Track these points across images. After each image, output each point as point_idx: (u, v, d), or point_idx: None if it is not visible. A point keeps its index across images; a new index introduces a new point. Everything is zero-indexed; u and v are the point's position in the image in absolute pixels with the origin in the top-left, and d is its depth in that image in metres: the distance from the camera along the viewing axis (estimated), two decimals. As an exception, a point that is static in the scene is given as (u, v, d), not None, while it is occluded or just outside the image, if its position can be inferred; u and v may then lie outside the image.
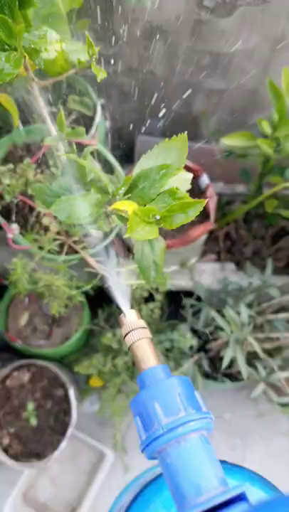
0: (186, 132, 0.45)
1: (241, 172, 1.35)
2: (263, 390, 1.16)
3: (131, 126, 1.39)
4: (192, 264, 1.36)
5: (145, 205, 0.42)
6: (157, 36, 1.12)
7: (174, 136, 0.46)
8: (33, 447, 1.28)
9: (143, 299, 1.24)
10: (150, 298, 1.24)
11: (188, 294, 1.32)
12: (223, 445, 1.42)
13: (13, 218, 0.94)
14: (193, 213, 0.41)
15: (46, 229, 0.92)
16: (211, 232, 1.42)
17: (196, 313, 1.30)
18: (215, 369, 1.29)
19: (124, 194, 0.43)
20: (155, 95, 1.31)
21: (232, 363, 1.17)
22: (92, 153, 0.89)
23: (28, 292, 0.97)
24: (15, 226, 0.92)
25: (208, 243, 1.43)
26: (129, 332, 0.44)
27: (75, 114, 1.08)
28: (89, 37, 0.44)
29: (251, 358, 1.17)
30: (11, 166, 0.87)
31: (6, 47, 0.38)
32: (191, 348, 1.26)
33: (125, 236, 0.41)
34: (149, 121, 1.38)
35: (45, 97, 0.56)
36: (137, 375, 0.44)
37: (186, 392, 0.40)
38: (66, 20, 0.47)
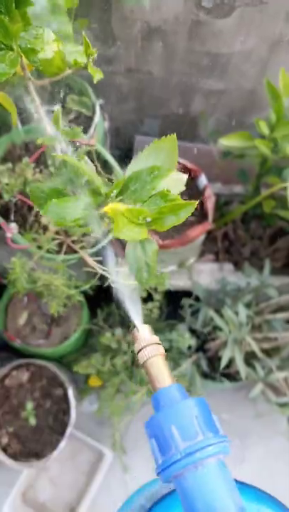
0: (175, 133, 0.45)
1: (239, 172, 1.36)
2: (261, 390, 1.16)
3: (129, 126, 1.39)
4: (190, 265, 1.36)
5: (131, 208, 0.42)
6: (155, 37, 1.13)
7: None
8: (32, 447, 1.28)
9: (141, 299, 1.25)
10: (149, 298, 1.24)
11: (187, 294, 1.32)
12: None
13: (12, 217, 0.95)
14: (184, 215, 0.41)
15: (45, 228, 0.92)
16: (209, 233, 1.42)
17: (195, 313, 1.30)
18: (213, 369, 1.29)
19: (116, 196, 0.44)
20: (153, 96, 1.32)
21: (230, 362, 1.17)
22: (90, 154, 0.89)
23: (27, 291, 0.97)
24: (14, 225, 0.92)
25: (207, 243, 1.44)
26: (142, 348, 0.43)
27: (74, 113, 1.09)
28: (86, 37, 0.44)
29: (249, 358, 1.18)
30: (9, 165, 0.88)
31: (2, 46, 0.39)
32: (189, 348, 1.27)
33: (113, 235, 0.41)
34: (147, 122, 1.38)
35: (42, 97, 0.57)
36: (152, 394, 0.43)
37: (203, 414, 0.39)
38: (66, 14, 0.47)
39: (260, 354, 1.12)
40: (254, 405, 1.43)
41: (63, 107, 1.04)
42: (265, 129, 1.11)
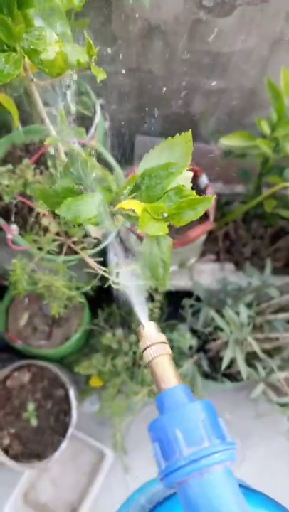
0: (190, 130, 0.45)
1: (240, 172, 1.35)
2: (262, 390, 1.16)
3: (130, 126, 1.39)
4: (191, 265, 1.36)
5: (152, 204, 0.42)
6: (156, 36, 1.12)
7: (176, 135, 0.45)
8: (34, 448, 1.28)
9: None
10: (150, 298, 1.24)
11: (188, 294, 1.32)
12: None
13: (13, 219, 0.94)
14: (202, 209, 0.41)
15: (45, 229, 0.92)
16: (210, 233, 1.42)
17: (196, 313, 1.30)
18: (214, 369, 1.29)
19: (129, 193, 0.43)
20: (154, 95, 1.31)
21: (231, 363, 1.17)
22: (91, 154, 0.89)
23: (27, 293, 0.97)
24: (14, 227, 0.92)
25: (208, 243, 1.43)
26: (148, 347, 0.42)
27: (74, 114, 1.08)
28: (88, 38, 0.44)
29: (251, 358, 1.18)
30: (10, 166, 0.88)
31: (6, 48, 0.38)
32: (190, 348, 1.26)
33: (138, 231, 0.41)
34: (148, 122, 1.38)
35: (44, 98, 0.56)
36: (156, 395, 0.41)
37: (210, 418, 0.37)
38: (65, 17, 0.47)
39: (261, 354, 1.11)
40: (255, 405, 1.43)
41: (64, 107, 1.03)
42: (266, 129, 1.11)
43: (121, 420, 1.33)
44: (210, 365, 1.29)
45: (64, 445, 1.26)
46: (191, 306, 1.30)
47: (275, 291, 1.19)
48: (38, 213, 0.93)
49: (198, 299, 1.30)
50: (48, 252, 0.89)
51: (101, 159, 0.99)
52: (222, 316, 1.17)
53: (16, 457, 1.26)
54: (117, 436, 1.35)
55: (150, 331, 0.43)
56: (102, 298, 1.28)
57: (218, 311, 1.21)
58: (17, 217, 0.95)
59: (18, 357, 1.34)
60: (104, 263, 0.82)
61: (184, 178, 0.45)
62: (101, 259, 0.85)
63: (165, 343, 0.43)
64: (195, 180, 1.23)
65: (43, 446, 1.28)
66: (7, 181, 0.84)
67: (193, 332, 1.26)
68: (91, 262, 0.80)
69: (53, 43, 0.41)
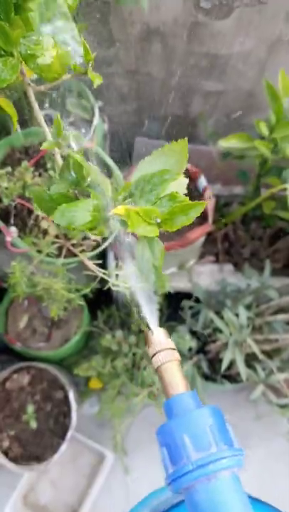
0: (186, 138, 0.45)
1: (239, 173, 1.35)
2: (262, 391, 1.16)
3: (129, 128, 1.39)
4: (190, 266, 1.36)
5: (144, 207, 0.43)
6: (154, 38, 1.12)
7: (173, 139, 0.46)
8: (33, 450, 1.28)
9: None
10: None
11: (187, 295, 1.32)
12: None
13: (12, 221, 0.94)
14: (194, 214, 0.42)
15: (45, 232, 0.92)
16: (209, 234, 1.42)
17: (195, 315, 1.30)
18: (214, 370, 1.29)
19: (124, 199, 0.44)
20: (153, 97, 1.32)
21: (231, 364, 1.17)
22: (89, 157, 0.89)
23: (27, 295, 0.97)
24: (13, 229, 0.92)
25: (207, 245, 1.43)
26: (157, 352, 0.42)
27: (73, 116, 1.08)
28: (86, 43, 0.44)
29: (250, 360, 1.18)
30: (9, 169, 0.88)
31: (3, 53, 0.38)
32: (190, 349, 1.26)
33: (128, 231, 0.41)
34: (146, 123, 1.38)
35: (42, 101, 0.56)
36: (164, 400, 0.42)
37: (218, 424, 0.38)
38: (71, 18, 0.47)
39: (260, 356, 1.12)
40: (255, 407, 1.43)
41: (63, 109, 1.04)
42: (264, 130, 1.11)
43: (121, 422, 1.33)
44: (209, 366, 1.29)
45: (64, 447, 1.26)
46: (191, 307, 1.30)
47: (274, 293, 1.19)
48: (38, 216, 0.93)
49: (197, 301, 1.30)
50: (48, 255, 0.89)
51: (100, 161, 0.99)
52: (221, 317, 1.17)
53: (15, 459, 1.26)
54: (117, 437, 1.35)
55: (159, 337, 0.44)
56: (102, 299, 1.28)
57: (218, 313, 1.21)
58: (16, 219, 0.95)
59: (17, 359, 1.34)
60: (103, 265, 0.82)
61: (179, 184, 0.45)
62: (100, 261, 0.85)
63: (174, 349, 0.43)
64: (194, 181, 1.24)
65: (42, 449, 1.28)
66: (6, 184, 0.84)
67: (193, 333, 1.27)
68: (90, 264, 0.80)
69: (50, 48, 0.41)
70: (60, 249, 0.91)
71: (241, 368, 1.11)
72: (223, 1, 1.02)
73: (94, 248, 0.94)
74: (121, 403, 1.30)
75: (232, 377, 1.28)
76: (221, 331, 1.16)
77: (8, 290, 1.21)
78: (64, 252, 0.90)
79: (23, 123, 0.92)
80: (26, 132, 0.98)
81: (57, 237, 0.90)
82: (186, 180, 0.47)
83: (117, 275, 0.80)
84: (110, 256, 1.18)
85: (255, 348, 1.11)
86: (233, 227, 1.46)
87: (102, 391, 1.38)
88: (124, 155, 1.43)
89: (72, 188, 0.46)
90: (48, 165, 0.91)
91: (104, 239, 0.93)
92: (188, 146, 0.46)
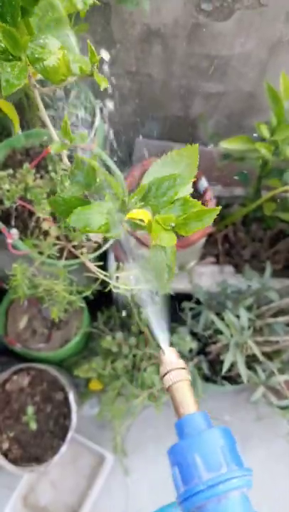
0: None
1: (240, 175, 1.35)
2: (262, 393, 1.16)
3: (130, 129, 1.39)
4: (191, 267, 1.36)
5: (157, 213, 0.43)
6: (155, 39, 1.12)
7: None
8: (33, 451, 1.27)
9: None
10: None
11: (188, 297, 1.32)
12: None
13: (13, 223, 0.94)
14: (208, 220, 0.43)
15: (46, 234, 0.92)
16: (209, 235, 1.42)
17: (196, 316, 1.30)
18: (214, 372, 1.29)
19: (136, 202, 0.44)
20: (153, 98, 1.31)
21: (232, 366, 1.17)
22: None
23: (27, 296, 0.97)
24: (14, 231, 0.91)
25: (207, 246, 1.44)
26: (168, 372, 0.43)
27: (74, 117, 1.08)
28: (91, 45, 0.44)
29: (251, 361, 1.18)
30: (10, 170, 0.87)
31: (11, 57, 0.38)
32: (190, 351, 1.26)
33: (152, 244, 0.42)
34: (147, 124, 1.38)
35: (45, 103, 0.56)
36: (176, 420, 0.43)
37: (228, 445, 0.38)
38: (69, 25, 0.47)
39: (261, 357, 1.12)
40: (255, 408, 1.43)
41: (64, 110, 1.04)
42: (265, 132, 1.11)
43: (121, 423, 1.33)
44: (210, 367, 1.29)
45: (64, 448, 1.26)
46: (191, 309, 1.30)
47: (275, 295, 1.19)
48: (39, 217, 0.93)
49: (198, 302, 1.30)
50: (49, 257, 0.89)
51: (101, 163, 0.99)
52: (222, 319, 1.17)
53: (15, 461, 1.25)
54: (117, 439, 1.35)
55: (170, 357, 0.44)
56: (102, 301, 1.27)
57: (218, 314, 1.21)
58: (17, 221, 0.95)
59: (17, 360, 1.34)
60: (104, 267, 0.82)
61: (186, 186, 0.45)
62: (101, 263, 0.85)
63: (184, 368, 0.44)
64: (194, 183, 1.23)
65: (42, 450, 1.28)
66: (7, 185, 0.84)
67: (193, 335, 1.26)
68: (91, 266, 0.80)
69: (56, 51, 0.41)
70: (61, 251, 0.91)
71: (242, 369, 1.11)
72: (224, 3, 1.02)
73: (95, 250, 0.94)
74: (121, 405, 1.30)
75: (232, 379, 1.28)
76: (221, 333, 1.16)
77: (8, 291, 1.21)
78: (65, 253, 0.90)
79: (24, 124, 0.92)
80: (27, 134, 0.97)
81: (58, 238, 0.90)
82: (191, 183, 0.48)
83: (117, 277, 0.80)
84: (111, 257, 1.18)
85: (256, 350, 1.11)
86: (233, 228, 1.46)
87: (102, 392, 1.38)
88: (125, 156, 1.43)
89: (86, 190, 0.46)
90: (50, 167, 0.91)
91: (106, 240, 0.93)
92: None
